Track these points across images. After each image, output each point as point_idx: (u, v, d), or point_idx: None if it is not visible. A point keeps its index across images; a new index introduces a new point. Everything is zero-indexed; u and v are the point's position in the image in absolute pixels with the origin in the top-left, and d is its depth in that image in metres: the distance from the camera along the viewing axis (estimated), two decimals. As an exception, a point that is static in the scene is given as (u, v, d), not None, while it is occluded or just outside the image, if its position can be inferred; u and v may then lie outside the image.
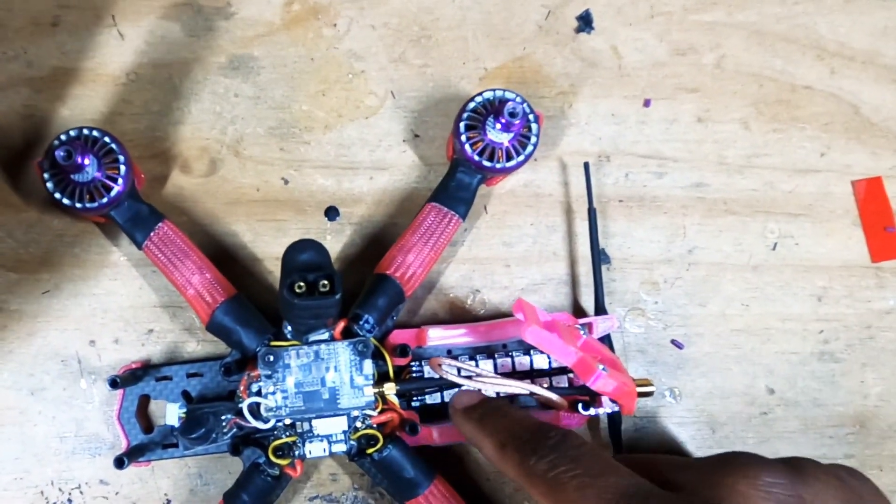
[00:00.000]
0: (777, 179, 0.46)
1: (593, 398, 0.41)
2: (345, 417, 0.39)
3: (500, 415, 0.38)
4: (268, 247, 0.43)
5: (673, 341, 0.45)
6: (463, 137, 0.41)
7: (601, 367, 0.37)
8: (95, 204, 0.39)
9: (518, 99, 0.41)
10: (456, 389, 0.40)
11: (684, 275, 0.46)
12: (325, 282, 0.34)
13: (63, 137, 0.39)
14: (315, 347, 0.39)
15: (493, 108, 0.41)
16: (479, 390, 0.39)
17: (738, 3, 0.47)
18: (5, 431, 0.41)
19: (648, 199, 0.46)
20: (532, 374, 0.43)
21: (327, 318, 0.37)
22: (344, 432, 0.40)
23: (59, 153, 0.37)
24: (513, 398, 0.41)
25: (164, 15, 0.44)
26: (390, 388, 0.39)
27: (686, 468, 0.35)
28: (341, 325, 0.39)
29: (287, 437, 0.39)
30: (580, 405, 0.41)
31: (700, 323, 0.45)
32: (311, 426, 0.39)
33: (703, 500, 0.32)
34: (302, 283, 0.34)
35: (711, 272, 0.46)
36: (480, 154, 0.41)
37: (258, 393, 0.39)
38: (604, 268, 0.45)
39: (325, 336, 0.39)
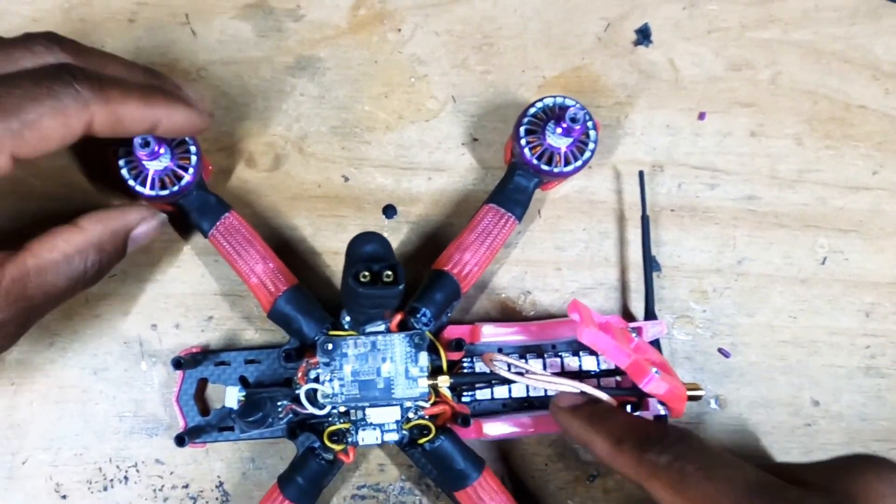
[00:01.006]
0: (828, 195, 0.47)
1: (641, 400, 0.42)
2: (398, 408, 0.41)
3: (611, 413, 0.39)
4: (327, 241, 0.45)
5: (720, 350, 0.46)
6: (523, 141, 0.42)
7: (654, 369, 0.38)
8: (167, 192, 0.41)
9: (578, 105, 0.42)
10: (507, 384, 0.41)
11: (733, 285, 0.46)
12: (389, 272, 0.36)
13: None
14: (372, 338, 0.40)
15: (554, 114, 0.42)
16: (581, 392, 0.40)
17: (794, 21, 0.49)
18: (68, 408, 0.43)
19: (700, 210, 0.47)
20: (580, 376, 0.44)
21: (388, 308, 0.39)
22: (397, 422, 0.41)
23: (138, 141, 0.39)
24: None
25: (236, 15, 0.46)
26: (444, 381, 0.40)
27: (809, 469, 0.35)
28: (398, 317, 0.41)
29: (341, 423, 0.41)
30: (628, 406, 0.42)
31: (747, 333, 0.46)
32: (364, 415, 0.41)
33: (839, 496, 0.32)
34: (367, 273, 0.36)
35: (760, 283, 0.47)
36: (539, 158, 0.42)
37: (315, 380, 0.40)
38: (654, 275, 0.46)
39: (382, 328, 0.41)
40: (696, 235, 0.47)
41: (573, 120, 0.41)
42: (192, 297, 0.44)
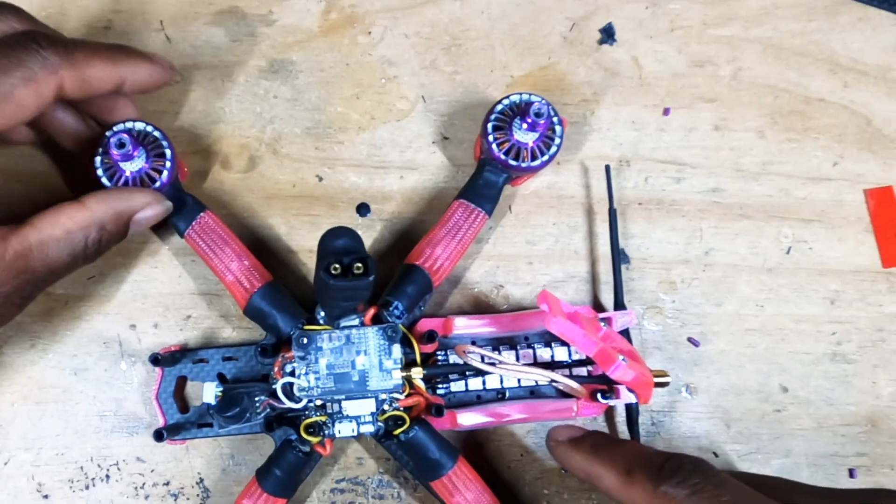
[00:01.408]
0: (791, 186, 0.49)
1: (611, 389, 0.44)
2: (373, 400, 0.42)
3: (617, 444, 0.39)
4: (302, 240, 0.46)
5: (689, 339, 0.47)
6: (490, 137, 0.44)
7: (620, 357, 0.40)
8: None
9: (543, 101, 0.44)
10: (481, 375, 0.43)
11: (701, 275, 0.48)
12: (359, 264, 0.37)
13: (116, 128, 0.42)
14: (346, 332, 0.41)
15: (520, 110, 0.44)
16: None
17: (754, 18, 0.50)
18: (49, 409, 0.44)
19: (667, 203, 0.48)
20: (552, 366, 0.45)
21: (360, 300, 0.40)
22: (372, 414, 0.42)
23: (114, 141, 0.40)
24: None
25: (210, 20, 0.47)
26: (417, 373, 0.42)
27: (828, 497, 0.36)
28: (371, 311, 0.42)
29: (318, 416, 0.42)
30: (599, 394, 0.44)
31: (716, 322, 0.48)
32: (340, 407, 0.42)
33: None
34: (338, 265, 0.37)
35: (727, 274, 0.48)
36: (507, 153, 0.44)
37: (291, 374, 0.41)
38: (623, 267, 0.47)
39: (356, 322, 0.42)
40: (664, 228, 0.48)
41: (538, 115, 0.42)
42: (171, 297, 0.45)
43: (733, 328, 0.48)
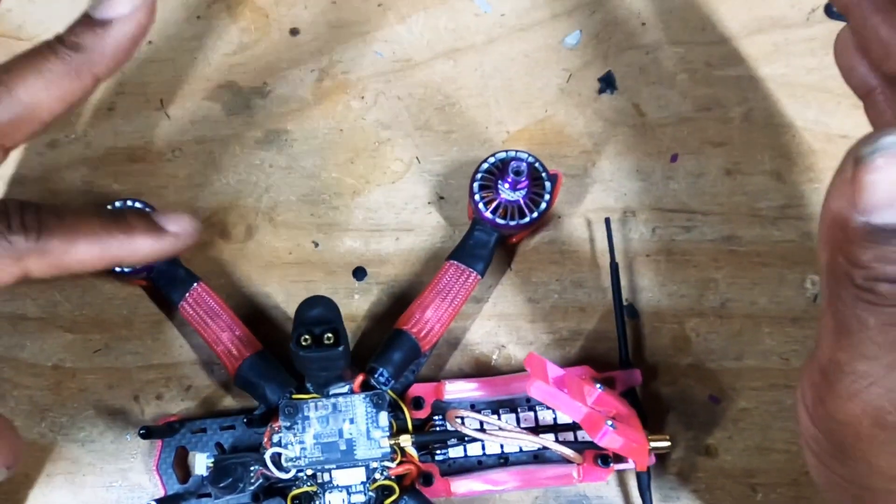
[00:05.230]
0: (814, 230, 0.48)
1: (615, 453, 0.44)
2: (363, 469, 0.43)
3: None
4: (299, 306, 0.49)
5: (710, 396, 0.47)
6: (476, 197, 0.45)
7: (609, 423, 0.40)
8: (137, 269, 0.45)
9: (529, 158, 0.45)
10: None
11: (718, 329, 0.47)
12: (330, 335, 0.39)
13: (111, 209, 0.46)
14: (333, 400, 0.43)
15: (504, 168, 0.45)
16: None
17: (764, 57, 0.50)
18: (56, 480, 0.47)
19: (677, 254, 0.48)
20: (556, 429, 0.45)
21: (336, 370, 0.42)
22: (363, 483, 0.43)
23: (105, 221, 0.44)
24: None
25: (207, 96, 0.51)
26: (405, 440, 0.43)
27: None
28: (359, 378, 0.44)
29: (308, 486, 0.43)
30: (600, 459, 0.44)
31: (736, 378, 0.47)
32: (331, 477, 0.43)
33: None
34: (307, 336, 0.39)
35: (746, 325, 0.47)
36: (494, 212, 0.45)
37: (279, 443, 0.43)
38: (633, 323, 0.48)
39: (345, 389, 0.44)
40: (675, 279, 0.48)
41: (517, 173, 0.43)
42: (172, 367, 0.48)
43: (756, 384, 0.47)
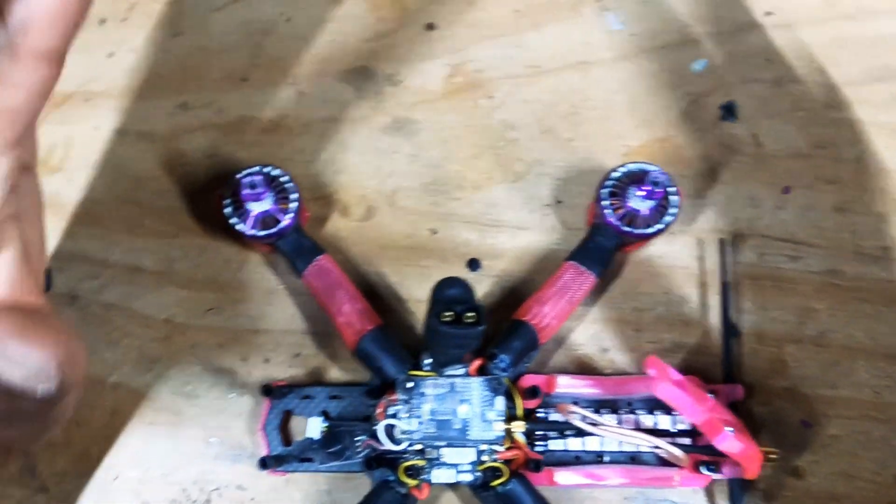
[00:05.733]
0: (915, 273, 0.50)
1: (715, 461, 0.45)
2: (473, 449, 0.44)
3: None
4: (411, 289, 0.50)
5: (803, 421, 0.48)
6: (605, 202, 0.47)
7: (729, 428, 0.41)
8: (267, 232, 0.47)
9: (660, 170, 0.47)
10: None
11: (814, 356, 0.49)
12: (472, 314, 0.41)
13: (250, 170, 0.47)
14: (451, 380, 0.44)
15: (636, 178, 0.47)
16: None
17: (881, 104, 0.52)
18: (159, 430, 0.48)
19: (782, 281, 0.50)
20: (655, 434, 0.46)
21: (469, 348, 0.43)
22: (471, 463, 0.44)
23: (246, 181, 0.45)
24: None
25: (340, 77, 0.53)
26: (518, 427, 0.44)
27: None
28: (477, 363, 0.45)
29: (417, 460, 0.44)
30: (702, 466, 0.45)
31: (829, 405, 0.48)
32: (439, 454, 0.44)
33: None
34: (450, 313, 0.41)
35: (842, 356, 0.49)
36: (620, 219, 0.47)
37: (394, 416, 0.44)
38: (734, 342, 0.49)
39: (461, 371, 0.45)
40: (777, 305, 0.50)
41: (655, 182, 0.45)
42: (282, 334, 0.49)
43: (848, 413, 0.48)
